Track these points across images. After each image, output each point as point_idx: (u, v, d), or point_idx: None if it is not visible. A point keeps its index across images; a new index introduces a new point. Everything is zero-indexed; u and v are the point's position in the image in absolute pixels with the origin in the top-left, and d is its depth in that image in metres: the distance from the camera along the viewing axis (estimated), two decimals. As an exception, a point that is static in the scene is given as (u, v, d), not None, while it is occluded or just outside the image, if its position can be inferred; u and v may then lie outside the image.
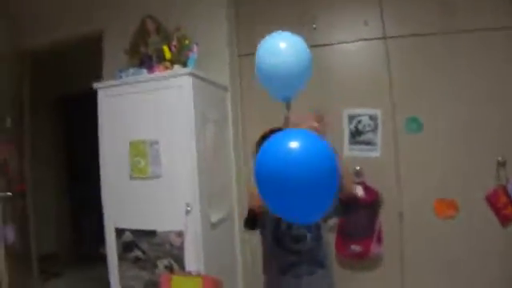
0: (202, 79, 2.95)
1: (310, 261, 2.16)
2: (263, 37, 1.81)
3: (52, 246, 5.36)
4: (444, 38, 3.22)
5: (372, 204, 3.19)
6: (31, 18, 3.91)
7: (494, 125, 3.15)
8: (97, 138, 3.06)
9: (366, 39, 3.36)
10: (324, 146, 1.54)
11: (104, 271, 3.08)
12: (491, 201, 3.13)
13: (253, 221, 2.20)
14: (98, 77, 3.43)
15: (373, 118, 3.28)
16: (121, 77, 3.04)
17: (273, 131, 2.03)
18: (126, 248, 2.97)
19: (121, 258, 2.99)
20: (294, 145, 1.48)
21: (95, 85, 3.06)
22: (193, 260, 2.78)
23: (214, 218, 2.97)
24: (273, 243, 2.21)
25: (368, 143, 3.28)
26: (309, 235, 2.14)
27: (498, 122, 3.14)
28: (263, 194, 1.56)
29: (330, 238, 2.76)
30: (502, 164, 3.12)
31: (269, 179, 1.50)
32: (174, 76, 2.84)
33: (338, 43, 3.42)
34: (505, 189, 3.12)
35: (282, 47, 1.75)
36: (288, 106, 1.83)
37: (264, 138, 2.17)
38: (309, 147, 1.50)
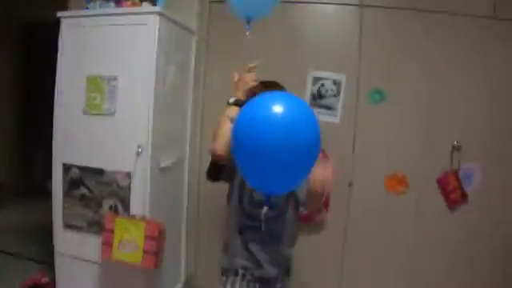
0: (170, 19, 2.85)
1: (268, 231, 2.04)
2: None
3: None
4: (420, 16, 3.18)
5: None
6: None
7: (455, 109, 3.19)
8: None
9: (340, 3, 3.29)
10: (309, 113, 1.49)
11: (50, 206, 3.02)
12: (441, 183, 3.20)
13: (218, 169, 2.12)
14: (64, 5, 3.28)
15: (336, 82, 3.24)
16: (87, 8, 2.91)
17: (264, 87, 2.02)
18: (72, 184, 2.92)
19: (66, 195, 2.94)
20: (277, 109, 1.42)
21: (59, 13, 2.92)
22: (138, 203, 2.74)
23: (164, 163, 2.92)
24: (236, 200, 2.15)
25: (329, 108, 3.26)
26: (265, 208, 1.97)
27: (460, 106, 3.18)
28: (238, 160, 1.52)
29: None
30: (456, 148, 3.17)
31: (246, 145, 1.45)
32: (142, 13, 2.73)
33: (311, 2, 3.32)
34: (456, 173, 3.18)
35: None
36: (248, 24, 1.84)
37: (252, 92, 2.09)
38: (292, 112, 1.44)
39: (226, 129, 1.91)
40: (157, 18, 2.68)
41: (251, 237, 2.11)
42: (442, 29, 3.18)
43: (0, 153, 5.25)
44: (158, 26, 2.68)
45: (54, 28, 2.95)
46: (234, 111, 1.93)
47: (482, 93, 3.17)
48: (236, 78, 2.08)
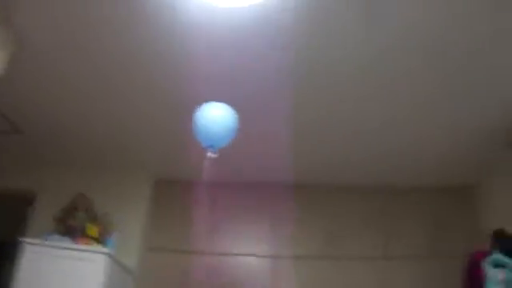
0: (115, 260, 3.73)
1: None
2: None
3: None
4: (327, 262, 4.21)
5: None
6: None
7: None
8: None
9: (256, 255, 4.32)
10: None
11: None
12: None
13: None
14: (21, 232, 4.01)
15: None
16: (46, 239, 3.71)
17: None
18: None
19: None
20: None
21: (21, 239, 3.64)
22: None
23: None
24: None
25: None
26: None
27: None
28: None
29: None
30: None
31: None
32: (94, 251, 3.61)
33: (232, 255, 4.34)
34: None
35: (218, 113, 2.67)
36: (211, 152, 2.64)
37: None
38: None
39: None
40: (105, 257, 3.57)
41: None
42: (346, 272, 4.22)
43: None
44: (105, 264, 3.55)
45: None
46: None
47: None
48: None
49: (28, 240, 3.69)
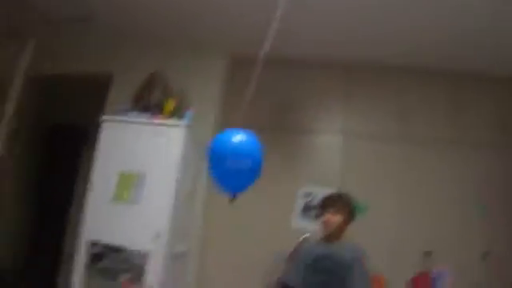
0: (192, 134, 3.56)
1: None
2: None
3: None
4: (396, 143, 3.99)
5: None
6: (48, 47, 4.36)
7: (425, 220, 3.79)
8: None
9: (327, 131, 4.18)
10: None
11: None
12: (415, 283, 3.66)
13: None
14: (98, 113, 3.79)
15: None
16: (126, 113, 3.62)
17: None
18: (94, 258, 3.32)
19: (87, 268, 3.32)
20: None
21: (103, 117, 3.57)
22: (152, 279, 3.19)
23: (177, 249, 3.47)
24: None
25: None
26: None
27: (429, 217, 3.79)
28: None
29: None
30: (428, 254, 3.67)
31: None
32: (172, 125, 3.47)
33: (302, 133, 4.21)
34: (427, 275, 3.65)
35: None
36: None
37: None
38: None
39: None
40: (184, 130, 3.43)
41: None
42: (413, 152, 3.98)
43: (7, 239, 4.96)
44: (183, 137, 3.41)
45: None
46: None
47: (450, 202, 3.82)
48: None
49: (107, 117, 3.61)
